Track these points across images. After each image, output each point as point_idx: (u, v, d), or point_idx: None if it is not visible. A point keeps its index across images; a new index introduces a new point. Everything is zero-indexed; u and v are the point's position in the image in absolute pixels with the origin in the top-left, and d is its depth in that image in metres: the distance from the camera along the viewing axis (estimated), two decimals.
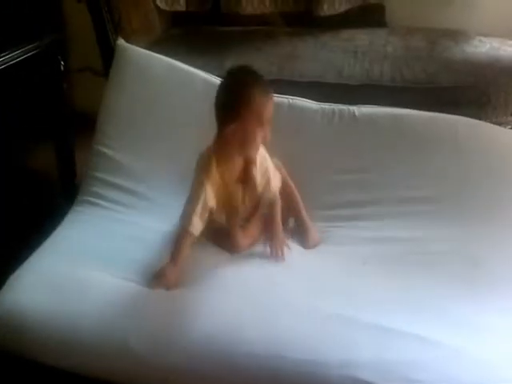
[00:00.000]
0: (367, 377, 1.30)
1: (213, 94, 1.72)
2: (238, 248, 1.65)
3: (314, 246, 1.72)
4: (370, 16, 2.53)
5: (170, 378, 1.38)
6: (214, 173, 1.57)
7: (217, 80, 1.90)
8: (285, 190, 1.74)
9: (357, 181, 1.81)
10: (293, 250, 1.67)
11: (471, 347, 1.35)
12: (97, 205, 1.79)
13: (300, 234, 1.74)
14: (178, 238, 1.55)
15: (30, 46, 2.03)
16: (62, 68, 2.19)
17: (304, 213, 1.75)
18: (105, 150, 1.89)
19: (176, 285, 1.51)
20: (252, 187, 1.65)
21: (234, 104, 1.53)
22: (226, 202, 1.63)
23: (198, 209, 1.54)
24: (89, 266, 1.54)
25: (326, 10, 2.43)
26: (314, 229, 1.74)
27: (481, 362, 1.33)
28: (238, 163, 1.63)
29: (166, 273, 1.51)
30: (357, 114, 1.87)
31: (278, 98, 1.88)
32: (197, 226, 1.54)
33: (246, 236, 1.68)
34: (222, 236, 1.65)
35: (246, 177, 1.64)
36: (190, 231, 1.54)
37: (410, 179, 1.79)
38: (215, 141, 1.60)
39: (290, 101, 1.91)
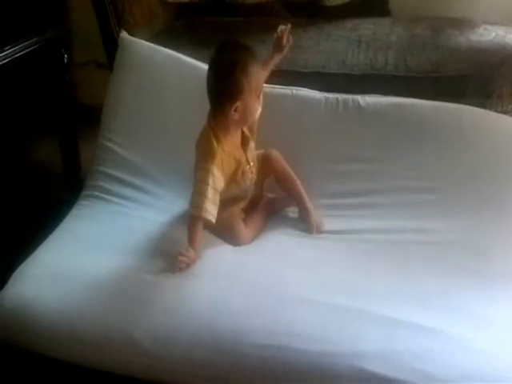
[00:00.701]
0: (374, 367, 1.31)
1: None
2: (240, 242, 1.65)
3: (319, 230, 1.71)
4: (373, 5, 2.51)
5: (175, 368, 1.39)
6: (217, 152, 1.57)
7: None
8: (283, 176, 1.76)
9: (361, 170, 1.81)
10: (297, 241, 1.67)
11: (478, 338, 1.35)
12: (102, 199, 1.79)
13: (303, 219, 1.74)
14: (193, 226, 1.54)
15: (33, 40, 2.03)
16: (66, 61, 2.19)
17: (305, 197, 1.75)
18: (109, 144, 1.89)
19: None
20: (250, 147, 1.68)
21: (233, 85, 1.54)
22: (234, 172, 1.63)
23: (209, 194, 1.53)
24: (94, 260, 1.55)
25: (332, 0, 2.42)
26: (317, 213, 1.74)
27: (487, 353, 1.33)
28: (237, 132, 1.66)
29: (185, 256, 1.50)
30: (361, 103, 1.86)
31: (281, 90, 1.88)
32: (211, 211, 1.54)
33: (249, 229, 1.68)
34: (223, 228, 1.65)
35: (243, 140, 1.67)
36: (206, 218, 1.53)
37: (414, 169, 1.79)
38: (213, 120, 1.60)
39: (294, 91, 1.90)
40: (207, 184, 1.53)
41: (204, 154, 1.58)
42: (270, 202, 1.81)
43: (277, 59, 1.80)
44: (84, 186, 1.87)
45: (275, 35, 1.81)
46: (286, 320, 1.39)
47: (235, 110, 1.56)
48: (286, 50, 1.81)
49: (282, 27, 1.80)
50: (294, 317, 1.40)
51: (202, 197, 1.53)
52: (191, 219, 1.56)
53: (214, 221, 1.54)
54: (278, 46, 1.80)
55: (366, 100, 1.87)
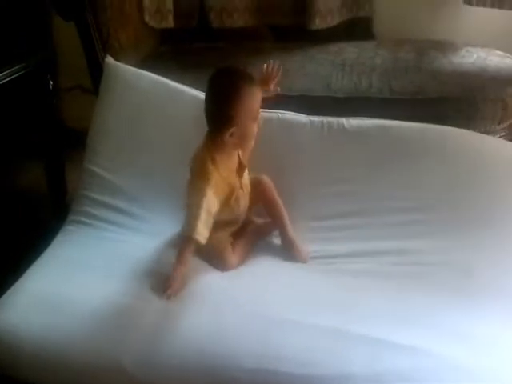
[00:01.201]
0: None
1: (201, 111, 1.74)
2: (227, 267, 1.64)
3: (305, 259, 1.71)
4: (358, 29, 2.54)
5: None
6: (213, 175, 1.57)
7: None
8: (271, 203, 1.75)
9: (346, 192, 1.81)
10: (283, 265, 1.67)
11: (463, 357, 1.35)
12: (88, 224, 1.78)
13: (288, 249, 1.74)
14: (183, 247, 1.54)
15: (18, 67, 2.04)
16: (51, 87, 2.20)
17: (289, 228, 1.74)
18: (95, 168, 1.88)
19: (181, 289, 1.51)
20: (245, 174, 1.69)
21: (230, 109, 1.56)
22: (228, 197, 1.62)
23: (202, 216, 1.52)
24: (80, 286, 1.54)
25: (318, 23, 2.44)
26: (302, 243, 1.73)
27: (473, 370, 1.33)
28: (234, 156, 1.66)
29: (172, 279, 1.50)
30: (346, 125, 1.87)
31: (266, 113, 1.89)
32: (203, 233, 1.53)
33: (237, 254, 1.68)
34: (211, 254, 1.64)
35: (239, 165, 1.68)
36: (197, 239, 1.52)
37: (399, 190, 1.79)
38: (210, 141, 1.61)
39: (279, 115, 1.91)
40: (200, 206, 1.53)
41: (199, 175, 1.58)
42: (258, 227, 1.80)
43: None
44: (70, 210, 1.86)
45: (263, 69, 1.78)
46: (274, 344, 1.39)
47: (231, 135, 1.57)
48: (272, 87, 1.77)
49: (268, 64, 1.77)
50: (282, 340, 1.40)
51: (194, 218, 1.52)
52: (182, 240, 1.56)
53: (204, 242, 1.54)
54: (263, 81, 1.76)
55: (351, 122, 1.88)
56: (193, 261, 1.60)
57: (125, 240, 1.74)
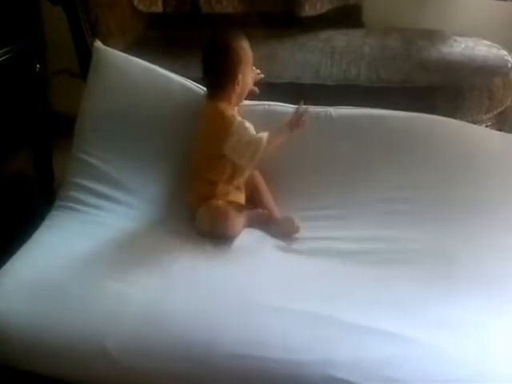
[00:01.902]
0: (346, 375, 1.32)
1: (190, 98, 1.88)
2: (231, 229, 1.70)
3: (290, 234, 1.73)
4: (347, 17, 2.54)
5: (148, 380, 1.38)
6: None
7: (193, 84, 1.93)
8: (258, 190, 1.81)
9: (333, 181, 1.82)
10: (270, 251, 1.68)
11: (448, 345, 1.37)
12: (75, 209, 1.77)
13: (277, 227, 1.75)
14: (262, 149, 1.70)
15: (4, 50, 2.02)
16: (38, 71, 2.18)
17: (276, 210, 1.79)
18: (83, 155, 1.87)
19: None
20: None
21: (234, 58, 1.73)
22: None
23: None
24: (67, 271, 1.54)
25: (308, 10, 2.43)
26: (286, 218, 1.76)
27: (456, 359, 1.34)
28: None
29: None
30: (333, 115, 1.88)
31: (253, 105, 1.89)
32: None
33: (239, 219, 1.73)
34: (216, 217, 1.69)
35: None
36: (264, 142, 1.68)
37: (386, 179, 1.81)
38: (219, 101, 1.73)
39: (266, 107, 1.91)
40: (252, 132, 1.70)
41: (230, 123, 1.69)
42: (255, 213, 1.80)
43: (283, 136, 1.77)
44: (57, 196, 1.85)
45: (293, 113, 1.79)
46: (259, 329, 1.40)
47: (237, 84, 1.73)
48: (295, 131, 1.77)
49: (301, 108, 1.77)
50: (267, 326, 1.41)
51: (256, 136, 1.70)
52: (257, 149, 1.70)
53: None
54: (290, 126, 1.77)
55: (339, 112, 1.89)
56: (178, 245, 1.64)
57: (111, 225, 1.73)
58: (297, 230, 1.73)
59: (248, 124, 1.71)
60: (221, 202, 1.73)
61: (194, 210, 1.75)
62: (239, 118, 1.72)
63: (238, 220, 1.73)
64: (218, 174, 1.74)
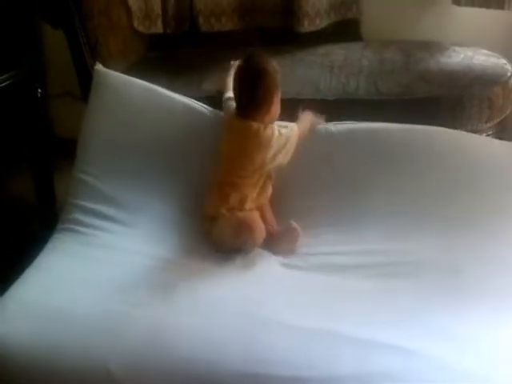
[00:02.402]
0: None
1: (193, 117, 1.89)
2: (257, 236, 1.71)
3: (294, 242, 1.75)
4: (345, 31, 2.55)
5: None
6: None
7: (196, 103, 1.94)
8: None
9: (334, 196, 1.82)
10: (271, 267, 1.68)
11: (451, 357, 1.36)
12: (77, 232, 1.77)
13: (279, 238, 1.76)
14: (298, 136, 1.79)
15: (6, 76, 2.04)
16: (39, 95, 2.19)
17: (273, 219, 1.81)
18: (84, 176, 1.88)
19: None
20: None
21: (271, 89, 1.76)
22: None
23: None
24: (69, 294, 1.54)
25: (307, 26, 2.45)
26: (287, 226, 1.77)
27: (462, 370, 1.33)
28: None
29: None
30: (333, 131, 1.89)
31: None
32: None
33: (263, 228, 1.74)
34: (241, 227, 1.70)
35: None
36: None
37: (388, 193, 1.81)
38: (259, 119, 1.75)
39: None
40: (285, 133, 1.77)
41: (267, 142, 1.74)
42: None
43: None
44: (59, 219, 1.86)
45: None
46: (262, 346, 1.40)
47: (273, 106, 1.77)
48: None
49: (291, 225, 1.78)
50: (270, 343, 1.40)
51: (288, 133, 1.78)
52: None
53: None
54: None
55: (338, 128, 1.90)
56: (181, 264, 1.65)
57: (114, 246, 1.73)
58: (298, 235, 1.74)
59: (277, 129, 1.76)
60: (246, 213, 1.74)
61: (210, 222, 1.76)
62: (273, 131, 1.75)
63: (261, 231, 1.73)
64: (250, 188, 1.77)
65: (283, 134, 1.77)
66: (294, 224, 1.75)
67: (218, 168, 1.81)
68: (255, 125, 1.74)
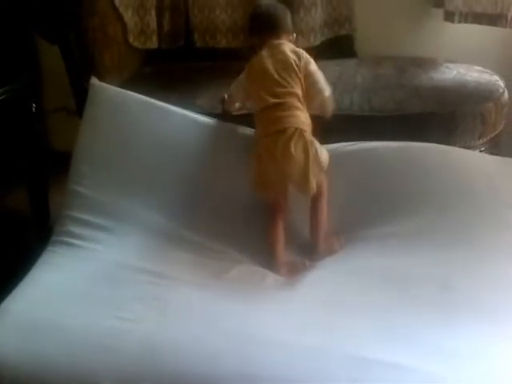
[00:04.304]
0: None
1: (190, 129, 1.89)
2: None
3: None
4: (339, 47, 2.57)
5: None
6: None
7: (194, 115, 1.96)
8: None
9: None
10: (267, 284, 1.68)
11: (447, 373, 1.34)
12: (71, 244, 1.76)
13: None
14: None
15: (1, 90, 2.04)
16: (34, 110, 2.20)
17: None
18: (79, 188, 1.87)
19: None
20: None
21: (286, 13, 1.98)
22: None
23: None
24: (63, 308, 1.53)
25: (301, 43, 2.46)
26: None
27: None
28: None
29: None
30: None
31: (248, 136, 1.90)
32: None
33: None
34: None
35: None
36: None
37: (382, 212, 1.83)
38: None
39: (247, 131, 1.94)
40: None
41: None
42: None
43: None
44: (53, 231, 1.85)
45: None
46: (256, 362, 1.39)
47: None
48: None
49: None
50: (264, 359, 1.39)
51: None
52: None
53: None
54: None
55: (330, 149, 1.89)
56: (181, 276, 1.65)
57: (107, 259, 1.72)
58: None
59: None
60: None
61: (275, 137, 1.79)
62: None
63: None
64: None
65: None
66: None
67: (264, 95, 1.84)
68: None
